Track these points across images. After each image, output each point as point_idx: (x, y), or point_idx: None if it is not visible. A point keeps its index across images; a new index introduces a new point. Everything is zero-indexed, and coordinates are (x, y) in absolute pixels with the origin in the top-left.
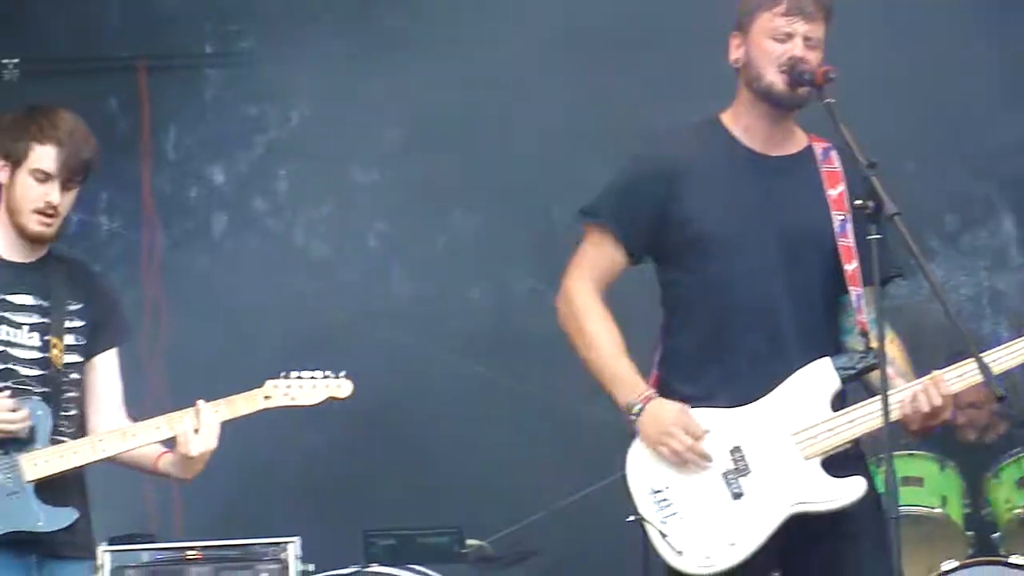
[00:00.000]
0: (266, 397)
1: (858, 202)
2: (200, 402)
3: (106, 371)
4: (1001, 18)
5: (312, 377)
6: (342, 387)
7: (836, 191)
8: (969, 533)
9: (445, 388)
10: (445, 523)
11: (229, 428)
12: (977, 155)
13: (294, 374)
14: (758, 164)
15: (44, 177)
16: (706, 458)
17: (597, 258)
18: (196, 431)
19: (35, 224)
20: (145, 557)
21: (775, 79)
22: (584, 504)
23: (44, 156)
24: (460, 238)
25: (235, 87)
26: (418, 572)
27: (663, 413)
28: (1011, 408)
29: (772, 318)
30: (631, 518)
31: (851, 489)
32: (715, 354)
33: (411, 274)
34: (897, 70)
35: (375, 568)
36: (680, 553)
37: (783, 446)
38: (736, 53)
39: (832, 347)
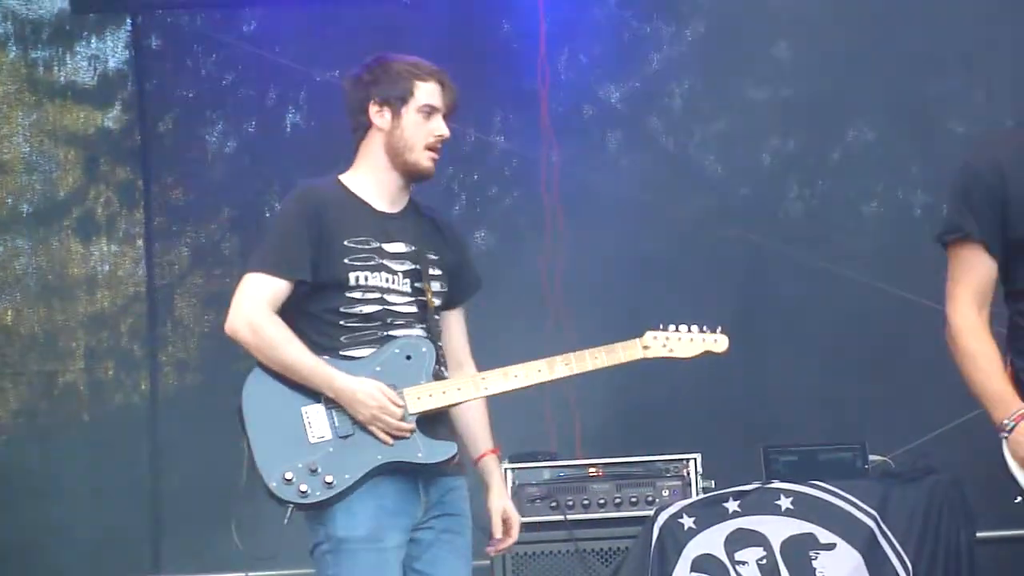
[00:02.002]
0: (645, 347)
1: None
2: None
3: (452, 329)
4: None
5: (690, 331)
6: (719, 342)
7: None
8: None
9: (841, 303)
10: (847, 439)
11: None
12: None
13: (672, 327)
14: None
15: (431, 111)
16: None
17: (973, 273)
18: None
19: (426, 160)
20: (547, 474)
21: None
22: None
23: (430, 92)
24: (853, 153)
25: (629, 4)
26: (820, 488)
27: None
28: None
29: None
30: (1018, 499)
31: None
32: None
33: (804, 190)
34: None
35: (777, 484)
36: None
37: None
38: None
39: None
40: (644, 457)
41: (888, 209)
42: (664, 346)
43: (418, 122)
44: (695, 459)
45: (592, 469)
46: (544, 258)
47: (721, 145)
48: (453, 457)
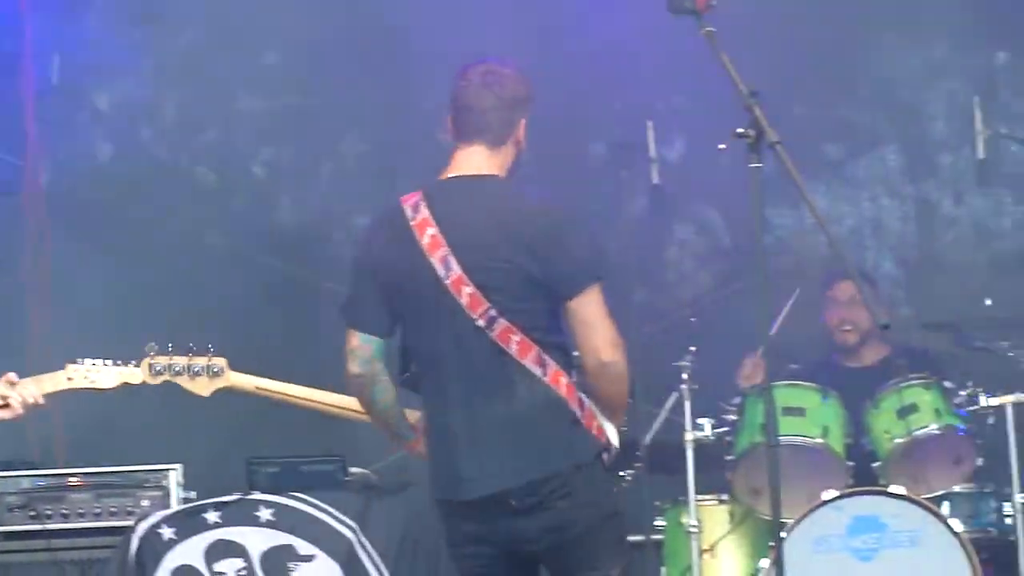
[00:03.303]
0: (69, 379)
1: (739, 131)
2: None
3: None
4: None
5: (106, 364)
6: (134, 374)
7: None
8: (850, 463)
9: (329, 316)
10: (329, 451)
11: (114, 352)
12: (863, 85)
13: (89, 361)
14: None
15: None
16: None
17: None
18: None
19: None
20: (25, 483)
21: None
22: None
23: None
24: (346, 164)
25: (119, 9)
26: (301, 499)
27: None
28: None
29: None
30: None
31: None
32: None
33: (296, 201)
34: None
35: (258, 495)
36: None
37: None
38: None
39: None
40: (124, 467)
41: None
42: (86, 377)
43: None
44: (176, 470)
45: (72, 478)
46: (27, 269)
47: (213, 155)
48: None
